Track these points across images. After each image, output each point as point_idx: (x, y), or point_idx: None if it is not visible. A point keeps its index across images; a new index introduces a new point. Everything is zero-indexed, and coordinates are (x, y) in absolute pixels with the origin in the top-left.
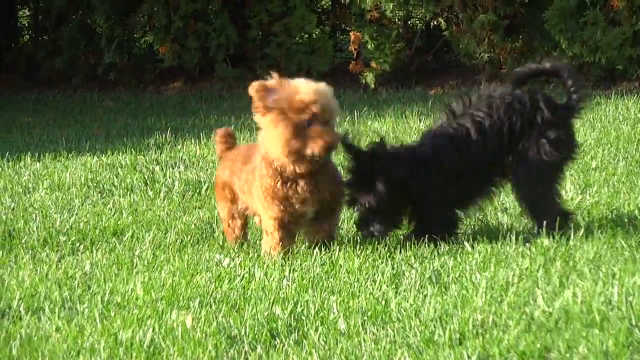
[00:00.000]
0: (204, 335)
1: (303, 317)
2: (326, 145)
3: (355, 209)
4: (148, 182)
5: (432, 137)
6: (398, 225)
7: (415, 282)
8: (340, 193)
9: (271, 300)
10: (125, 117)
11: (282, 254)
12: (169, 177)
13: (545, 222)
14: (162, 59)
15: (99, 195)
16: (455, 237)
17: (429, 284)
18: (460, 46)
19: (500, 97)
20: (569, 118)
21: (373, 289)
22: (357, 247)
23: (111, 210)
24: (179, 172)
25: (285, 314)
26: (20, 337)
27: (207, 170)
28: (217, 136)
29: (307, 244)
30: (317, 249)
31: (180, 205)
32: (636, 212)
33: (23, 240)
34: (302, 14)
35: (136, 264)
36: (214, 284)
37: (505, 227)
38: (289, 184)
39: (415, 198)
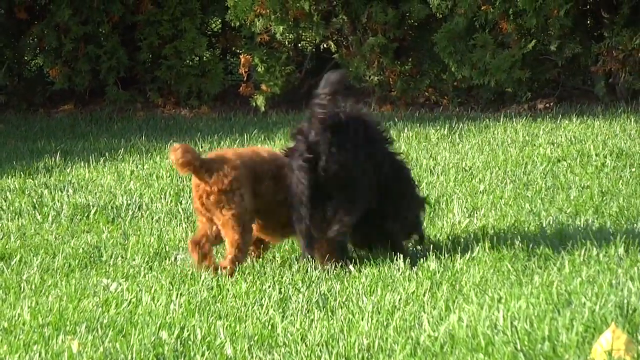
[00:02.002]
0: None
1: (190, 342)
2: None
3: None
4: (36, 205)
5: None
6: None
7: (302, 307)
8: None
9: (158, 325)
10: (15, 140)
11: None
12: (58, 201)
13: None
14: (53, 81)
15: None
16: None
17: (316, 308)
18: (350, 69)
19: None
20: None
21: (260, 313)
22: (245, 271)
23: None
24: (68, 195)
25: (171, 339)
26: None
27: (95, 194)
28: None
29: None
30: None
31: (69, 229)
32: (523, 235)
33: None
34: (193, 36)
35: (23, 289)
36: (101, 308)
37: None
38: None
39: None
